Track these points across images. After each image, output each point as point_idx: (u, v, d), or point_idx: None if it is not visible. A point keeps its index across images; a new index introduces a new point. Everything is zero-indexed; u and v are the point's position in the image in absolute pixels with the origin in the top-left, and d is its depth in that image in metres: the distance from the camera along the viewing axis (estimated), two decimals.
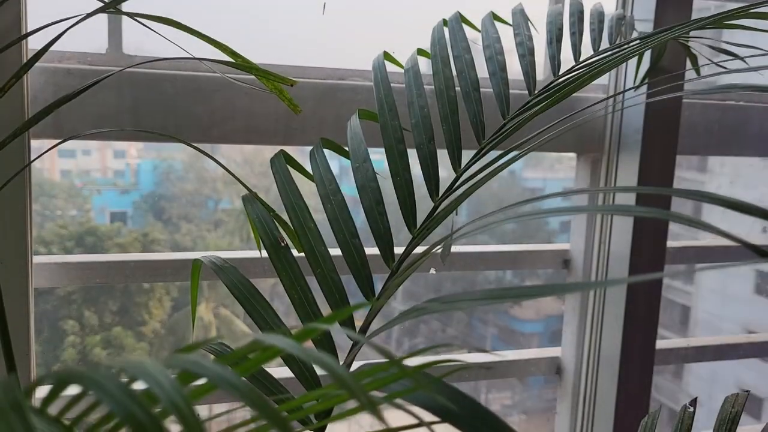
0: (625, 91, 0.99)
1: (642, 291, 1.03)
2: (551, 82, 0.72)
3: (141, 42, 0.82)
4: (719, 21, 0.59)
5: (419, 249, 0.63)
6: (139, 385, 0.23)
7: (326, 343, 0.59)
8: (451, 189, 0.66)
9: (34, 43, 0.73)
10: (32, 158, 0.74)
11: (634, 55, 0.64)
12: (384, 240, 0.63)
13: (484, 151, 0.67)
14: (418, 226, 0.64)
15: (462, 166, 0.68)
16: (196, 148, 0.66)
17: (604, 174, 1.04)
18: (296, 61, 0.89)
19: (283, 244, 0.63)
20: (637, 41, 0.72)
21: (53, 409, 0.29)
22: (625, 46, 0.69)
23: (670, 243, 1.05)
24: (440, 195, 0.66)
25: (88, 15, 0.58)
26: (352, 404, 0.36)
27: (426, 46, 0.76)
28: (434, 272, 0.95)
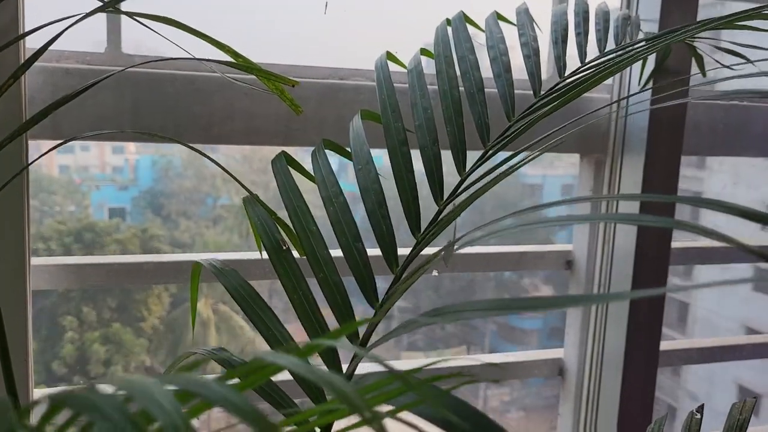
0: (629, 96, 0.98)
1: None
2: (557, 84, 0.71)
3: (140, 41, 0.81)
4: (729, 22, 0.58)
5: (423, 252, 0.62)
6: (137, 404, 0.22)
7: (330, 354, 0.58)
8: (455, 192, 0.65)
9: (32, 43, 0.72)
10: (30, 160, 0.73)
11: (642, 58, 0.63)
12: (387, 243, 0.62)
13: (489, 153, 0.66)
14: (422, 230, 0.63)
15: (467, 169, 0.67)
16: (195, 150, 0.65)
17: (607, 175, 1.03)
18: (298, 61, 0.88)
19: (285, 248, 0.62)
20: (644, 42, 0.71)
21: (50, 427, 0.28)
22: (632, 48, 0.68)
23: (673, 244, 1.04)
24: (445, 198, 0.65)
25: (87, 14, 0.57)
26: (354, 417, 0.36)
27: (429, 46, 0.75)
28: (436, 274, 0.94)
